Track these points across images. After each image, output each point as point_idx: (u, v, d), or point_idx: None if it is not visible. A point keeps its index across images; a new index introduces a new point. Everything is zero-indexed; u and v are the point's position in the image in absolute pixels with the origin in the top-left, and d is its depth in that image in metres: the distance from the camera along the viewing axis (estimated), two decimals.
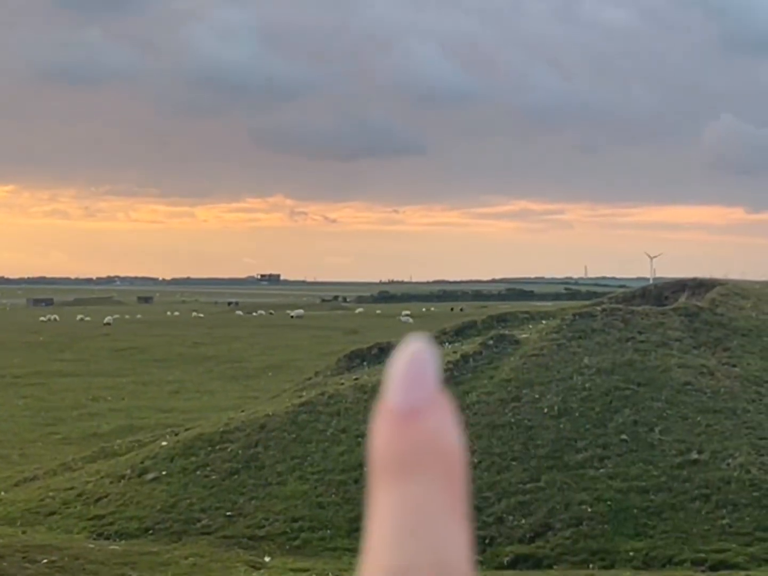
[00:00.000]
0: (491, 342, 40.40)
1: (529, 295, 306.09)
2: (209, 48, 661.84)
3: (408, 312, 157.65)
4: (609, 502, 29.64)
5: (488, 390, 36.38)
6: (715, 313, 41.69)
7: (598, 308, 43.04)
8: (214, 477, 33.63)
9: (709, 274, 53.37)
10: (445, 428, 1.24)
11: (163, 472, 34.35)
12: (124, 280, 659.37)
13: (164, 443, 37.47)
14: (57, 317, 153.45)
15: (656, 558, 27.76)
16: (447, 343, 46.11)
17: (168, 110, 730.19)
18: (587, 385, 35.68)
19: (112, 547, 29.23)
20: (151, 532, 30.98)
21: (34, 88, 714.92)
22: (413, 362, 1.26)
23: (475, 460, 32.04)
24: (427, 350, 1.28)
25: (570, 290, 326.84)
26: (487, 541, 28.66)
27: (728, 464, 30.82)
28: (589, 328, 39.69)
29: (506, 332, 42.75)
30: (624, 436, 32.70)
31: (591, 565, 27.70)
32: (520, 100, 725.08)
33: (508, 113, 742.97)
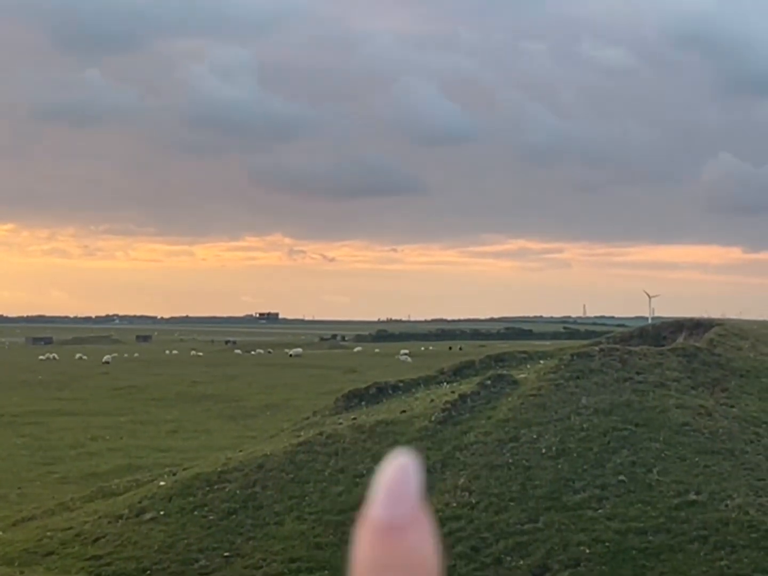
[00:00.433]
0: (489, 382, 40.43)
1: (528, 334, 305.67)
2: (208, 87, 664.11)
3: (406, 351, 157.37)
4: (607, 543, 29.60)
5: (486, 430, 36.38)
6: (713, 354, 41.74)
7: (596, 348, 43.10)
8: (211, 517, 33.58)
9: (707, 313, 53.60)
10: (422, 545, 1.34)
11: (161, 512, 34.30)
12: (123, 318, 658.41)
13: (162, 483, 37.44)
14: (56, 356, 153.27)
15: None
16: (445, 383, 46.18)
17: (167, 149, 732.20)
18: (585, 425, 35.68)
19: None
20: (148, 572, 30.92)
21: (33, 128, 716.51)
22: (397, 478, 1.35)
23: (473, 501, 32.03)
24: (411, 466, 1.38)
25: (569, 329, 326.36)
26: None
27: (726, 505, 30.79)
28: (587, 368, 39.73)
29: (504, 372, 42.79)
30: (622, 477, 32.68)
31: None
32: (518, 140, 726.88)
33: (507, 152, 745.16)
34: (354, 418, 40.96)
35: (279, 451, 37.71)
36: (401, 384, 47.40)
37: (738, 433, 35.51)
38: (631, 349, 42.44)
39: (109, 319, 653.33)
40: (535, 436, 35.40)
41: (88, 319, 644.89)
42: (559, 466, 33.59)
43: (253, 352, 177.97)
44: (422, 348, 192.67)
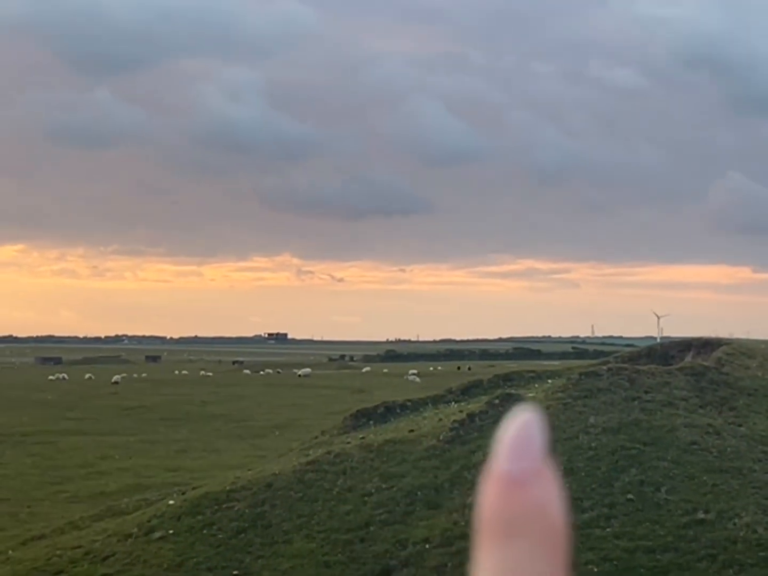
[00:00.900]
0: (497, 401, 40.47)
1: (537, 354, 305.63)
2: (217, 108, 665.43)
3: (415, 371, 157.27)
4: (615, 562, 29.62)
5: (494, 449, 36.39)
6: (721, 373, 41.78)
7: (604, 367, 43.15)
8: (220, 536, 33.64)
9: (715, 333, 53.58)
10: (548, 497, 1.41)
11: (170, 531, 34.37)
12: (132, 338, 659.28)
13: (171, 502, 37.52)
14: (65, 376, 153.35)
15: None
16: (453, 402, 46.24)
17: (175, 170, 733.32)
18: (593, 444, 35.73)
19: None
20: None
21: (42, 149, 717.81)
22: (521, 432, 1.42)
23: None
24: (536, 420, 1.45)
25: (577, 349, 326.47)
26: None
27: (735, 524, 30.81)
28: (595, 387, 39.78)
29: (512, 391, 42.85)
30: (630, 496, 32.71)
31: None
32: (526, 160, 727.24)
33: (515, 172, 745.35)
34: (362, 438, 41.04)
35: (288, 470, 37.80)
36: (409, 403, 47.48)
37: (746, 452, 35.53)
38: (639, 368, 42.49)
39: (118, 339, 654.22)
40: None
41: (97, 340, 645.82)
42: (567, 485, 33.56)
43: (261, 372, 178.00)
44: (430, 368, 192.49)
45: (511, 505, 1.37)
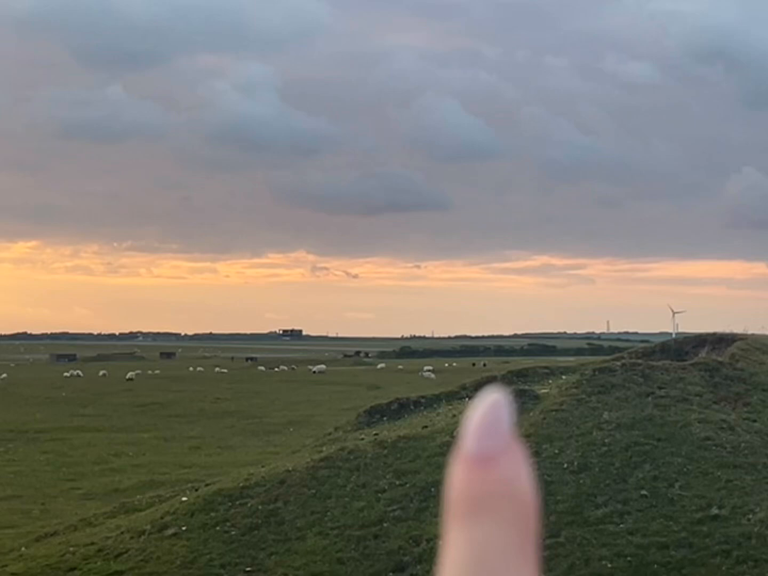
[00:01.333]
0: (511, 397, 40.36)
1: (552, 351, 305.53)
2: (231, 104, 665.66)
3: (430, 367, 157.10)
4: (629, 558, 29.54)
5: None
6: (735, 368, 41.65)
7: (618, 363, 43.04)
8: (234, 532, 33.63)
9: (730, 328, 53.34)
10: (517, 474, 1.37)
11: (183, 528, 34.38)
12: (146, 335, 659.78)
13: (184, 499, 37.52)
14: (80, 372, 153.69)
15: None
16: (467, 398, 46.14)
17: (189, 166, 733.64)
18: (607, 440, 35.65)
19: None
20: None
21: (56, 145, 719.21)
22: (489, 412, 1.38)
23: None
24: (503, 401, 1.40)
25: (592, 345, 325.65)
26: None
27: (749, 520, 30.70)
28: (608, 383, 39.68)
29: (526, 387, 42.76)
30: (644, 492, 32.62)
31: None
32: (541, 156, 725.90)
33: (530, 168, 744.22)
34: (376, 434, 41.00)
35: (301, 466, 37.77)
36: (423, 399, 47.41)
37: (760, 448, 35.42)
38: (653, 363, 42.36)
39: (132, 336, 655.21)
40: (556, 451, 35.38)
41: (111, 336, 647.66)
42: (581, 481, 33.56)
43: (276, 369, 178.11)
44: (446, 364, 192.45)
45: (479, 484, 1.34)
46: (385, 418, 45.34)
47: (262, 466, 42.31)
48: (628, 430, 36.15)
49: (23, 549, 36.13)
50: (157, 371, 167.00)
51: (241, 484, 37.18)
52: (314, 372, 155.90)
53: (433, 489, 34.02)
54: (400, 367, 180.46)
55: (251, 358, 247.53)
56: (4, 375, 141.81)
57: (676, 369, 41.05)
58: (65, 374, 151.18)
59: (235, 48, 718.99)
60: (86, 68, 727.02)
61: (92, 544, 34.96)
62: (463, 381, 52.58)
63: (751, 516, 30.84)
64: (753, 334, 52.05)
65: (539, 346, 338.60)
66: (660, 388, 39.13)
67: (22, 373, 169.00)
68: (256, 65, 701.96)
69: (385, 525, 32.63)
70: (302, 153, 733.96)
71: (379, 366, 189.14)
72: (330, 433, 47.29)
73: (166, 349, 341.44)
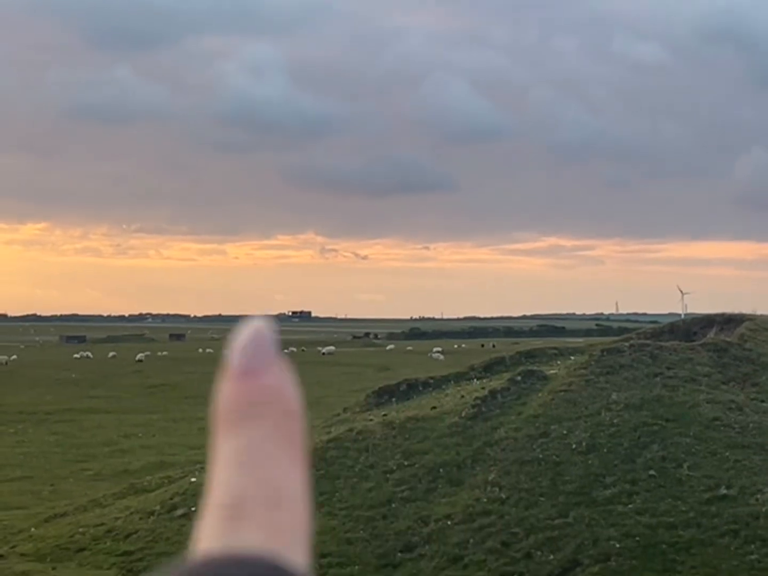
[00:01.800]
0: (519, 378, 40.42)
1: (561, 332, 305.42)
2: (239, 85, 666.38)
3: (439, 349, 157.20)
4: (637, 538, 29.57)
5: (516, 426, 36.39)
6: (743, 349, 41.59)
7: (626, 344, 43.01)
8: None
9: (739, 309, 53.23)
10: (280, 382, 1.44)
11: (192, 508, 34.44)
12: (155, 317, 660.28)
13: (193, 479, 37.60)
14: (90, 354, 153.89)
15: None
16: (475, 379, 46.17)
17: (198, 147, 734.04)
18: (615, 420, 35.65)
19: None
20: None
21: (65, 127, 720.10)
22: (252, 333, 1.44)
23: (503, 496, 32.06)
24: (265, 325, 1.47)
25: (601, 326, 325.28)
26: None
27: (757, 499, 30.71)
28: (617, 363, 39.67)
29: (534, 368, 42.77)
30: (652, 472, 32.64)
31: None
32: (550, 137, 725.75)
33: (539, 149, 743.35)
34: (384, 415, 41.05)
35: (309, 447, 37.80)
36: (431, 380, 47.44)
37: None
38: (661, 344, 42.33)
39: (142, 317, 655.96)
40: (565, 432, 35.40)
41: (121, 318, 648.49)
42: (590, 462, 33.58)
43: (285, 351, 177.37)
44: (455, 346, 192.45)
45: (244, 393, 1.41)
46: (394, 399, 45.38)
47: None
48: (637, 410, 36.14)
49: (33, 530, 36.25)
50: (166, 353, 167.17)
51: None
52: (323, 353, 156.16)
53: (441, 469, 34.07)
54: (409, 348, 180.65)
55: None
56: (14, 356, 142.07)
57: (684, 349, 41.02)
58: (75, 356, 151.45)
59: (243, 29, 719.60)
60: (94, 49, 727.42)
61: (102, 524, 35.09)
62: (472, 362, 52.59)
63: (759, 496, 30.85)
64: (762, 315, 51.95)
65: (548, 327, 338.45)
66: (668, 368, 39.10)
67: (32, 354, 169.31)
68: (264, 47, 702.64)
69: (393, 505, 32.69)
70: (311, 135, 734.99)
71: (388, 347, 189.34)
72: (338, 414, 47.36)
73: (176, 330, 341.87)
